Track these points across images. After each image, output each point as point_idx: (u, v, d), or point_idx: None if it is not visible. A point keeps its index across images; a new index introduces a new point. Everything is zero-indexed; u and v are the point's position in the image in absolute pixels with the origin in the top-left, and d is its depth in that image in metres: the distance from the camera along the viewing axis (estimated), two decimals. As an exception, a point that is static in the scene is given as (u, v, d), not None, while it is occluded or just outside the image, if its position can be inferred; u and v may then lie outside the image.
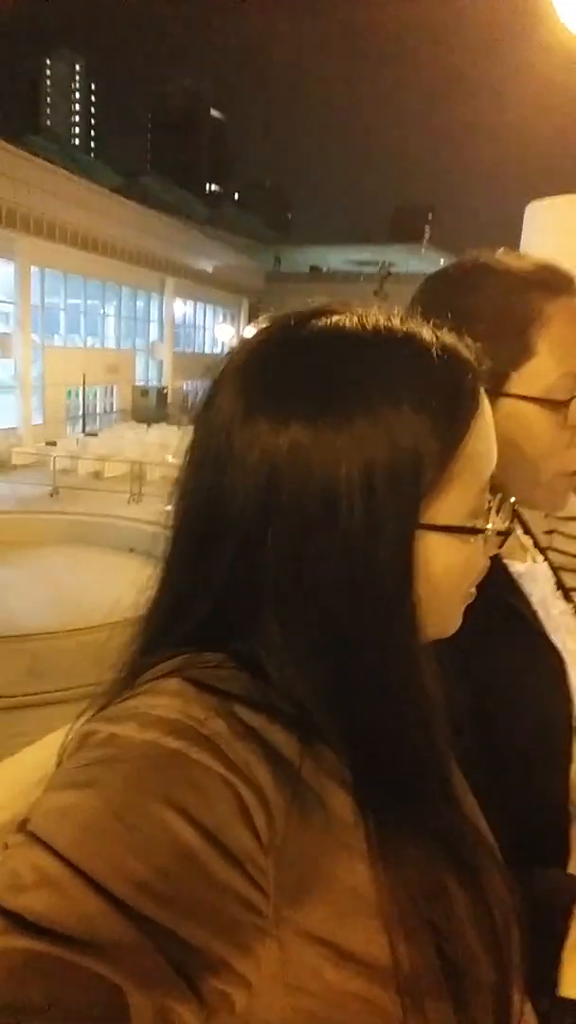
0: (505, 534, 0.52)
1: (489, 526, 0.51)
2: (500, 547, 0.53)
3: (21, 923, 0.36)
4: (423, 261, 52.71)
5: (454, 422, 0.47)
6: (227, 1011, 0.40)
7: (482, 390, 0.50)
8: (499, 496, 0.52)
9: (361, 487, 0.44)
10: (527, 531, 0.92)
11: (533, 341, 0.75)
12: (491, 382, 0.73)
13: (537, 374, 0.75)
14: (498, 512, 0.52)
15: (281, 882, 0.42)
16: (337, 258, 54.23)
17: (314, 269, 53.78)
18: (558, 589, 0.87)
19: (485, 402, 0.50)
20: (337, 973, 0.43)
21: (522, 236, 2.05)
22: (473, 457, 0.48)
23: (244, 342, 0.51)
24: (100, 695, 0.51)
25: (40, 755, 1.26)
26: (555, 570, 0.90)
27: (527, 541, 0.90)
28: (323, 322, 0.48)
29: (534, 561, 0.87)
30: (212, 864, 0.39)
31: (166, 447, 17.91)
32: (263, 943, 0.41)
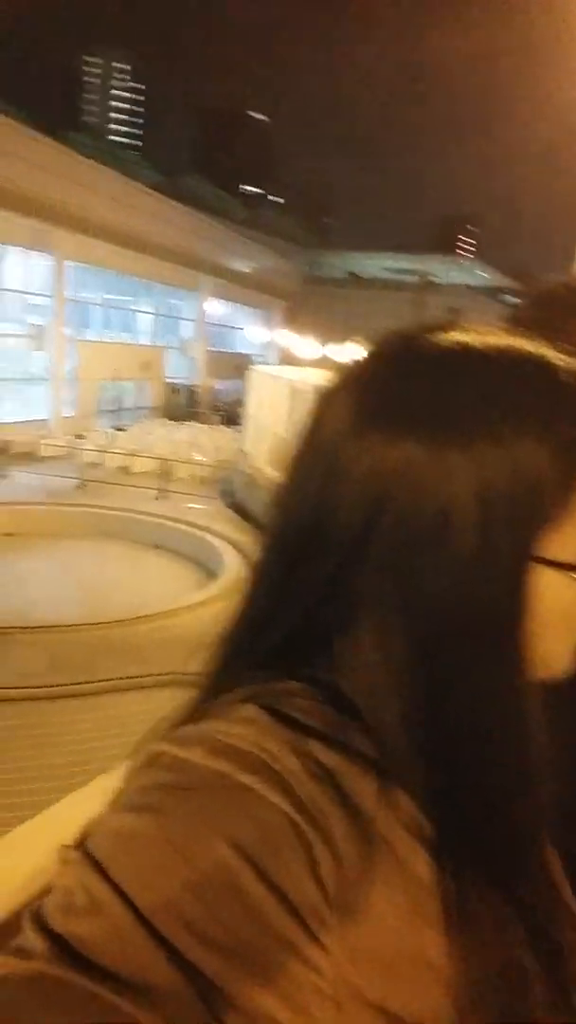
0: None
1: None
2: None
3: (66, 949, 0.36)
4: (463, 272, 52.39)
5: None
6: None
7: None
8: None
9: (476, 511, 0.42)
10: None
11: None
12: None
13: None
14: None
15: (345, 941, 0.39)
16: (375, 265, 54.08)
17: (351, 275, 53.71)
18: None
19: None
20: None
21: None
22: None
23: (360, 356, 0.49)
24: (174, 713, 0.48)
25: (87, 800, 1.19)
26: None
27: None
28: (444, 338, 0.47)
29: None
30: (272, 914, 0.37)
31: (194, 445, 17.95)
32: (319, 1004, 0.38)
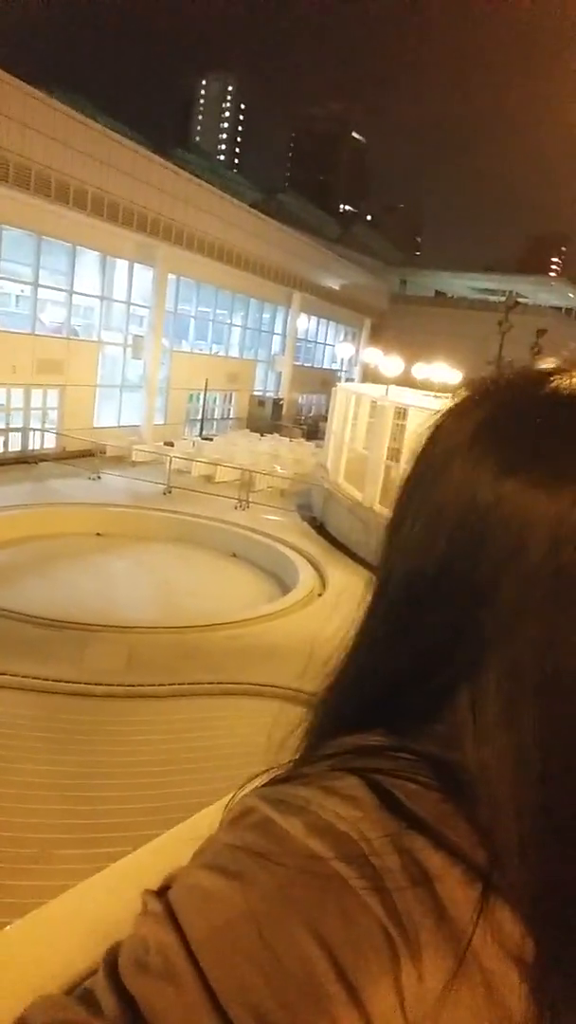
0: None
1: None
2: None
3: (132, 1008, 0.35)
4: (552, 293, 51.12)
5: None
6: None
7: None
8: None
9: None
10: None
11: None
12: None
13: None
14: None
15: None
16: (463, 284, 53.48)
17: (439, 294, 53.23)
18: None
19: None
20: None
21: None
22: None
23: (482, 396, 0.49)
24: (275, 760, 0.47)
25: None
26: None
27: None
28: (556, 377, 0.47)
29: None
30: (345, 1018, 0.34)
31: (276, 457, 18.22)
32: None
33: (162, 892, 0.39)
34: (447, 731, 0.43)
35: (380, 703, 0.46)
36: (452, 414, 0.49)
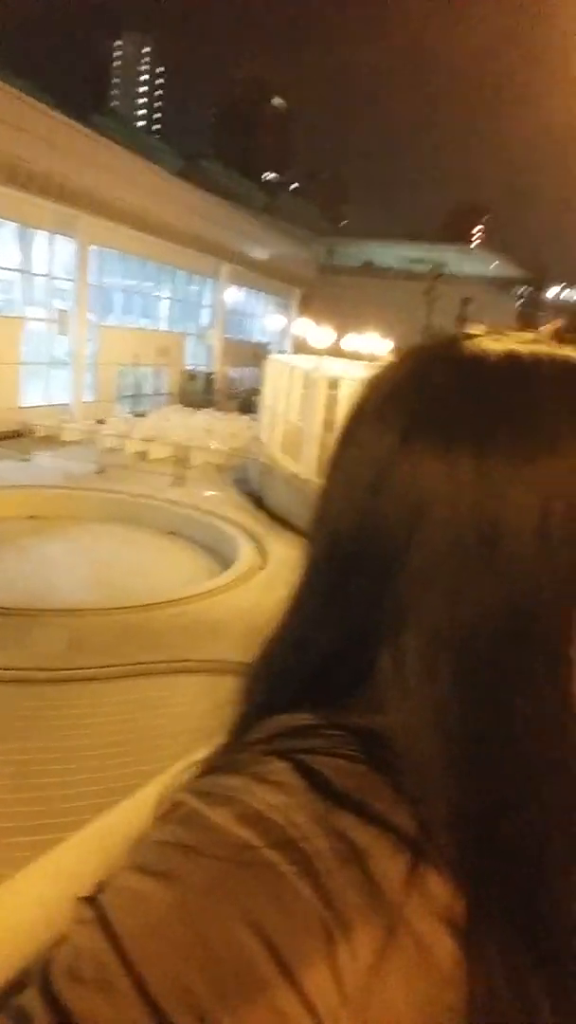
0: None
1: None
2: None
3: (66, 1021, 0.34)
4: (476, 262, 51.92)
5: None
6: None
7: None
8: None
9: (534, 522, 0.41)
10: None
11: None
12: None
13: None
14: None
15: None
16: (389, 254, 53.72)
17: (366, 264, 53.35)
18: None
19: None
20: None
21: None
22: None
23: (397, 362, 0.49)
24: (208, 751, 0.47)
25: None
26: None
27: None
28: (490, 345, 0.46)
29: None
30: (284, 1003, 0.35)
31: (211, 432, 18.04)
32: None
33: (94, 898, 0.38)
34: (371, 698, 0.44)
35: (310, 678, 0.47)
36: (367, 383, 0.49)
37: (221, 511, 12.02)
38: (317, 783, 0.40)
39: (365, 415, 0.48)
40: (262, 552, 10.22)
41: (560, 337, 0.49)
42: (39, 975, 0.36)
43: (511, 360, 0.45)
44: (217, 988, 0.34)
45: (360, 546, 0.45)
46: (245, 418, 20.96)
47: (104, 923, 0.37)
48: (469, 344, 0.47)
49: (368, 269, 50.34)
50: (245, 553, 10.02)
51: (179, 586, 9.00)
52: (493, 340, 0.47)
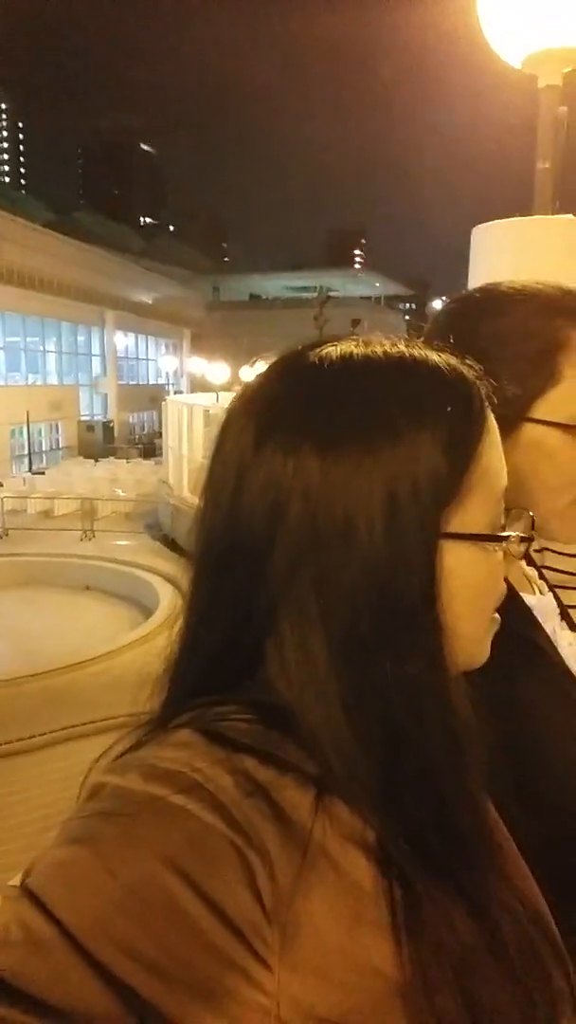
0: (528, 540, 0.53)
1: (512, 534, 0.52)
2: (522, 557, 0.54)
3: (3, 985, 0.35)
4: (360, 284, 53.76)
5: (468, 436, 0.48)
6: None
7: (488, 408, 0.51)
8: (513, 511, 0.53)
9: (382, 503, 0.44)
10: (531, 563, 0.92)
11: (560, 367, 0.74)
12: (515, 407, 0.74)
13: (563, 400, 0.75)
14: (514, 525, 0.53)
15: (287, 957, 0.39)
16: (275, 285, 54.87)
17: (253, 297, 54.27)
18: (562, 619, 0.87)
19: (491, 418, 0.51)
20: None
21: (471, 259, 2.12)
22: (488, 470, 0.49)
23: (255, 378, 0.52)
24: (121, 742, 0.50)
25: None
26: (557, 597, 0.90)
27: (532, 573, 0.89)
28: (328, 350, 0.50)
29: (541, 593, 0.86)
30: (212, 933, 0.37)
31: (115, 481, 17.72)
32: (263, 1018, 0.38)
33: (21, 882, 0.40)
34: (263, 680, 0.48)
35: (206, 671, 0.49)
36: (233, 399, 0.52)
37: (135, 559, 11.77)
38: (217, 739, 0.43)
39: (228, 426, 0.50)
40: (183, 594, 10.01)
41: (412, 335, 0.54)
42: None
43: (345, 361, 0.48)
44: (145, 927, 0.36)
45: (230, 546, 0.48)
46: (148, 463, 20.72)
47: (28, 892, 0.38)
48: (312, 352, 0.50)
49: (256, 302, 51.21)
50: (166, 599, 9.83)
51: (101, 642, 8.69)
52: (347, 345, 0.50)
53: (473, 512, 0.48)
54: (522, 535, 0.52)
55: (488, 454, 0.49)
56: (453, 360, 0.51)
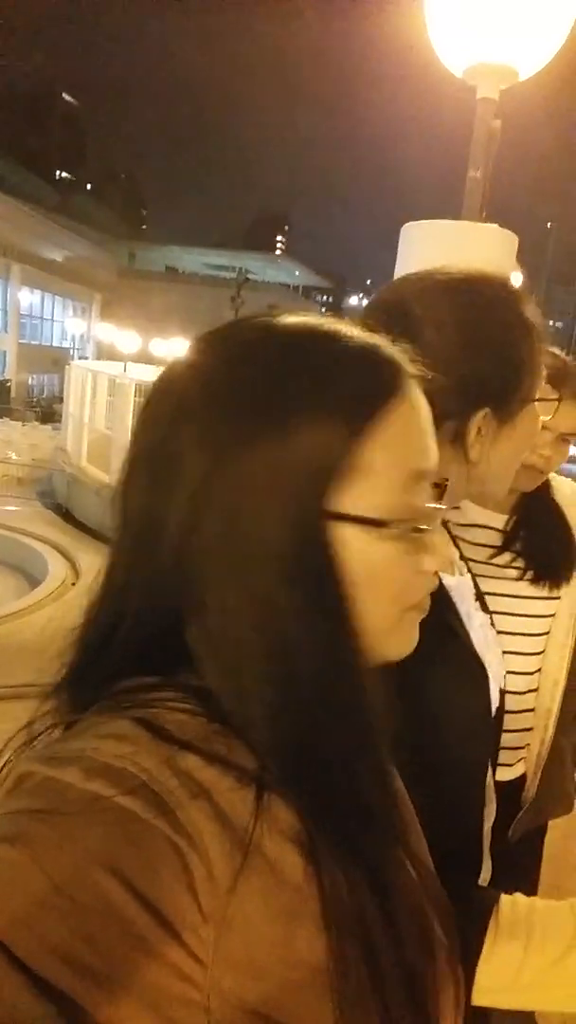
0: (420, 530, 0.49)
1: (394, 519, 0.48)
2: (441, 545, 0.51)
3: None
4: (279, 271, 53.73)
5: (360, 413, 0.46)
6: None
7: (409, 385, 0.50)
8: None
9: (269, 479, 0.45)
10: (454, 543, 0.96)
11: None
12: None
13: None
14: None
15: (221, 953, 0.39)
16: (193, 260, 53.95)
17: (170, 269, 53.10)
18: (477, 600, 0.91)
19: (413, 397, 0.50)
20: None
21: (399, 253, 2.17)
22: (388, 448, 0.47)
23: (182, 354, 0.52)
24: (35, 723, 0.48)
25: None
26: (475, 579, 0.94)
27: (453, 554, 0.93)
28: (239, 327, 0.51)
29: (461, 574, 0.90)
30: (144, 929, 0.37)
31: (9, 443, 16.92)
32: (193, 1016, 0.39)
33: None
34: (193, 661, 0.48)
35: (130, 650, 0.49)
36: (156, 381, 0.52)
37: (25, 526, 11.30)
38: (160, 733, 0.43)
39: (147, 406, 0.50)
40: (74, 567, 9.76)
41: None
42: None
43: (252, 344, 0.49)
44: (84, 934, 0.36)
45: (153, 532, 0.48)
46: (46, 428, 19.91)
47: None
48: (227, 329, 0.51)
49: (172, 274, 50.12)
50: (54, 570, 9.50)
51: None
52: (261, 323, 0.50)
53: (365, 493, 0.46)
54: (412, 522, 0.48)
55: (393, 432, 0.47)
56: (368, 336, 0.50)
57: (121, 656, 0.48)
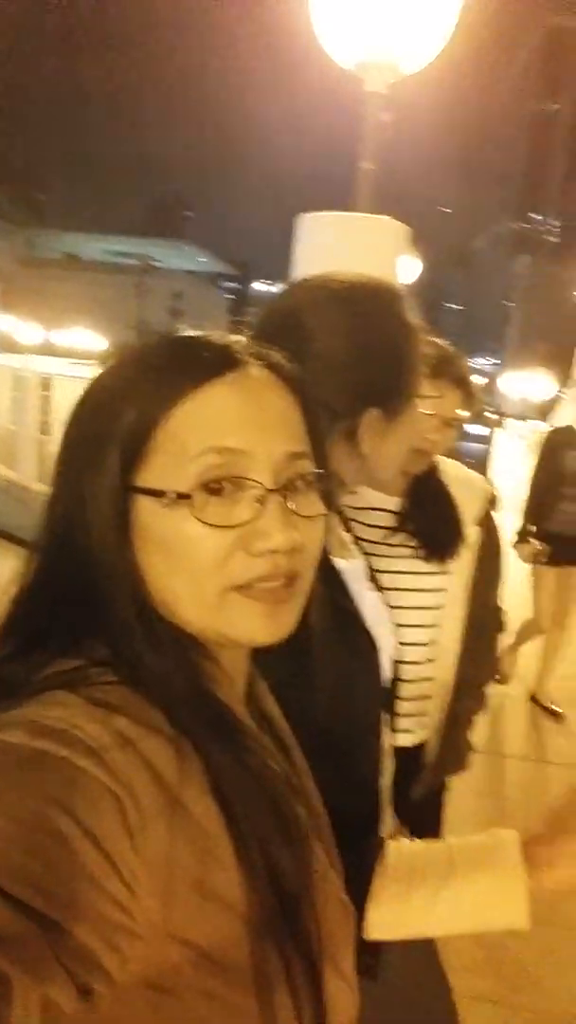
0: (185, 496, 0.51)
1: (167, 490, 0.51)
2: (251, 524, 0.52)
3: None
4: (183, 258, 52.88)
5: (159, 400, 0.52)
6: (91, 1007, 0.42)
7: (227, 373, 0.53)
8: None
9: (97, 456, 0.52)
10: (347, 528, 1.01)
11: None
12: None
13: None
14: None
15: (149, 883, 0.44)
16: (95, 247, 52.35)
17: (70, 256, 51.40)
18: (371, 580, 0.97)
19: (231, 383, 0.53)
20: (197, 972, 0.47)
21: (295, 245, 2.22)
22: (187, 428, 0.51)
23: (103, 368, 0.57)
24: None
25: None
26: (369, 562, 0.99)
27: (347, 537, 0.98)
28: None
29: (354, 557, 0.95)
30: (92, 863, 0.42)
31: None
32: (129, 941, 0.43)
33: None
34: (109, 640, 0.53)
35: (54, 631, 0.54)
36: (86, 388, 0.56)
37: None
38: (92, 699, 0.48)
39: (77, 417, 0.56)
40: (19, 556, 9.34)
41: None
42: None
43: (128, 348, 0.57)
44: (39, 857, 0.40)
45: (69, 521, 0.54)
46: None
47: None
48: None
49: (73, 262, 48.50)
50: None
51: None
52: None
53: (157, 468, 0.51)
54: (178, 491, 0.51)
55: (193, 415, 0.51)
56: (190, 333, 0.56)
57: (48, 634, 0.54)
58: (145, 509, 0.52)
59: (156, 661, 0.52)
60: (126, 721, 0.48)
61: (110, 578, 0.52)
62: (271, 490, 0.52)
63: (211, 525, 0.51)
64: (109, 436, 0.51)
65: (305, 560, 0.55)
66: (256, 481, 0.52)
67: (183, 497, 0.50)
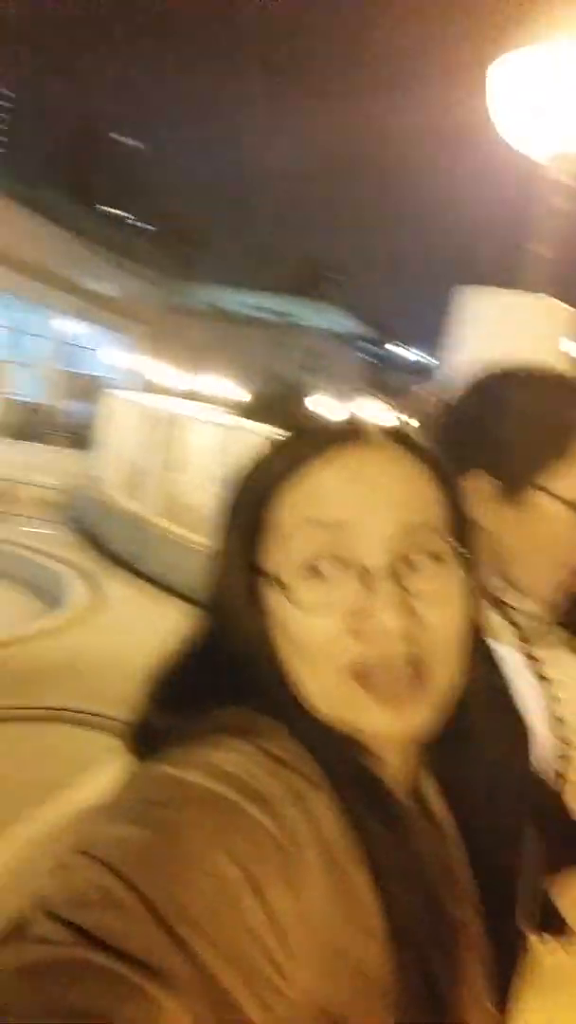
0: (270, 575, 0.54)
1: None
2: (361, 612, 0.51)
3: (87, 937, 0.38)
4: (324, 317, 54.63)
5: (268, 485, 0.53)
6: None
7: (328, 451, 0.53)
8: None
9: (221, 533, 0.56)
10: (499, 609, 0.95)
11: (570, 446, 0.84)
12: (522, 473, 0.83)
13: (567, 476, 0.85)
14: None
15: (302, 945, 0.44)
16: (238, 301, 55.09)
17: (216, 308, 54.25)
18: (528, 668, 0.90)
19: (337, 455, 0.52)
20: None
21: (454, 315, 2.22)
22: (289, 502, 0.52)
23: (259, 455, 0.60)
24: (138, 734, 0.55)
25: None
26: (525, 649, 0.93)
27: (498, 620, 0.93)
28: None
29: (504, 643, 0.90)
30: (252, 915, 0.42)
31: (40, 467, 17.15)
32: (280, 1002, 0.43)
33: (79, 851, 0.43)
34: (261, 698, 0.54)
35: (223, 687, 0.55)
36: (246, 468, 0.58)
37: (48, 549, 11.37)
38: (264, 750, 0.50)
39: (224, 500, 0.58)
40: (97, 593, 9.71)
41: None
42: (34, 912, 0.40)
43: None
44: (204, 901, 0.41)
45: (232, 587, 0.56)
46: (78, 453, 20.24)
47: (96, 860, 0.42)
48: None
49: (218, 313, 51.17)
50: (76, 594, 9.49)
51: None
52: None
53: (271, 547, 0.52)
54: (276, 575, 0.52)
55: (296, 495, 0.52)
56: (292, 421, 0.58)
57: (219, 674, 0.55)
58: (268, 591, 0.52)
59: (310, 738, 0.52)
60: (295, 776, 0.49)
61: (254, 659, 0.53)
62: (378, 567, 0.49)
63: (306, 609, 0.50)
64: (235, 517, 0.54)
65: (434, 644, 0.50)
66: (358, 557, 0.50)
67: (278, 580, 0.51)
